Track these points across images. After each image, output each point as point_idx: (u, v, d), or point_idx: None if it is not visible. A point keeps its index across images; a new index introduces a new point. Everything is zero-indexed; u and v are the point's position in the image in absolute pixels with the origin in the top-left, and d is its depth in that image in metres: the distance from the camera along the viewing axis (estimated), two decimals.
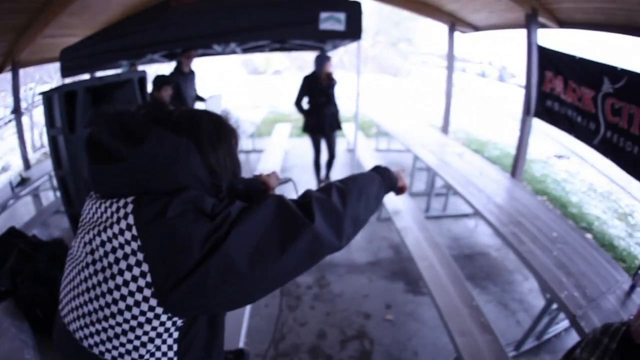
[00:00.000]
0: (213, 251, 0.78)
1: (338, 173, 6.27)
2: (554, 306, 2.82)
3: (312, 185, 5.36)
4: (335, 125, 5.34)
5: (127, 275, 0.79)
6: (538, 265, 2.80)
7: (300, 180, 1.21)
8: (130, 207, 0.81)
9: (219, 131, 0.96)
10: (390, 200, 4.24)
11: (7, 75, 4.28)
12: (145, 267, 0.78)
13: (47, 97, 2.39)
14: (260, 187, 1.07)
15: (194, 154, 0.87)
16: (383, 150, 7.77)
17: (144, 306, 0.80)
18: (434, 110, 10.16)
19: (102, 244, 0.82)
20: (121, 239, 0.80)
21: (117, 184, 0.85)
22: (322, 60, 5.03)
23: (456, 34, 6.39)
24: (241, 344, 2.26)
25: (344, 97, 5.60)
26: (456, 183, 4.27)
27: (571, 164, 7.83)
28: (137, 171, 0.83)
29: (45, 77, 6.69)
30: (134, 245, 0.79)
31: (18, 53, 3.98)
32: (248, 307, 2.52)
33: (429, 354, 2.93)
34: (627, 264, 4.24)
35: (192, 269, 0.77)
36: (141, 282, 0.79)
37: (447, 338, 2.64)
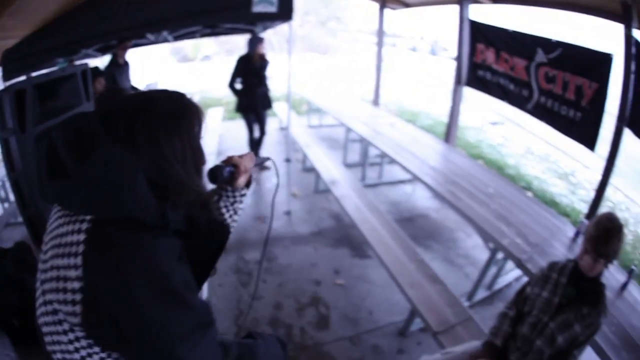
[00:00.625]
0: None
1: (272, 150, 6.38)
2: (500, 256, 3.02)
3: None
4: (267, 104, 5.46)
5: (66, 309, 0.77)
6: (477, 217, 3.01)
7: None
8: (81, 248, 0.77)
9: (176, 115, 0.89)
10: (327, 171, 4.38)
11: None
12: (78, 308, 0.76)
13: None
14: (223, 224, 0.98)
15: (141, 179, 0.81)
16: (315, 127, 7.82)
17: (83, 342, 0.80)
18: (364, 85, 10.32)
19: (52, 269, 0.80)
20: (69, 273, 0.77)
21: (66, 201, 0.83)
22: (255, 42, 5.10)
23: (386, 10, 6.51)
24: None
25: (274, 78, 5.65)
26: (390, 151, 4.46)
27: (506, 130, 8.26)
28: (81, 190, 0.79)
29: None
30: (76, 284, 0.76)
31: None
32: (205, 290, 2.51)
33: (384, 311, 3.06)
34: (572, 219, 4.55)
35: (127, 339, 0.77)
36: (73, 319, 0.77)
37: (399, 295, 2.79)
